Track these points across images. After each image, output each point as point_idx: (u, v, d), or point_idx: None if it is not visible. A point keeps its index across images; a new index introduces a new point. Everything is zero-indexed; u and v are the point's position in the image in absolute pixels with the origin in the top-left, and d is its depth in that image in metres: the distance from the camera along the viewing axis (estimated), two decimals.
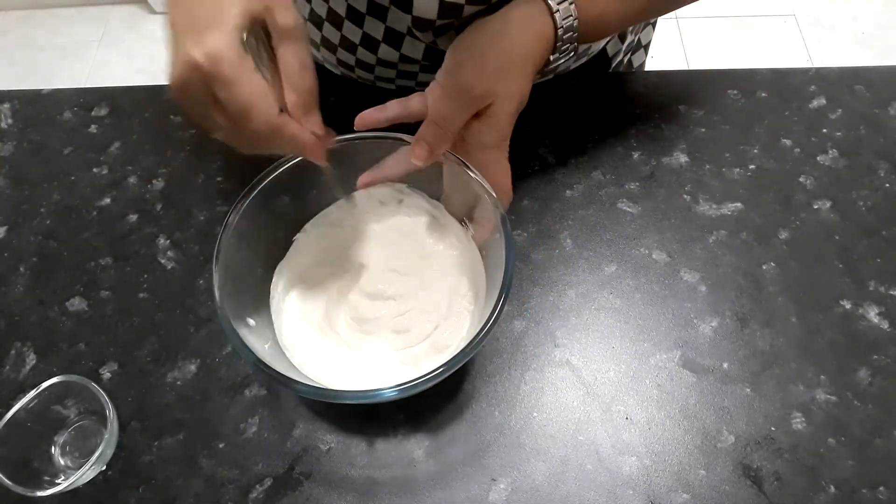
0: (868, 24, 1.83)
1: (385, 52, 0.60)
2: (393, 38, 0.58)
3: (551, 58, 0.50)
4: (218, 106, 0.38)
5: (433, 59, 0.60)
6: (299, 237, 0.55)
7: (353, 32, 0.60)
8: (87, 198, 0.62)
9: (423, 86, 0.65)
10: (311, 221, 0.55)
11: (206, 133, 0.41)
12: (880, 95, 0.65)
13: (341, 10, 0.58)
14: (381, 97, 0.64)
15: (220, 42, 0.36)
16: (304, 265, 0.54)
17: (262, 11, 0.38)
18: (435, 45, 0.58)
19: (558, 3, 0.48)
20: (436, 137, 0.47)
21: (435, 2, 0.52)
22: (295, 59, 0.40)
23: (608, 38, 0.65)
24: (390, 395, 0.41)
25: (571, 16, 0.48)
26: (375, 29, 0.58)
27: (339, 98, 0.66)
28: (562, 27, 0.48)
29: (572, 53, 0.51)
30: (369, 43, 0.60)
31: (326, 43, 0.63)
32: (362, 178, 0.52)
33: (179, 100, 0.38)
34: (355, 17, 0.58)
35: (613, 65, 0.70)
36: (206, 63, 0.36)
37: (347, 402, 0.48)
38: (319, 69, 0.68)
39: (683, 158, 0.62)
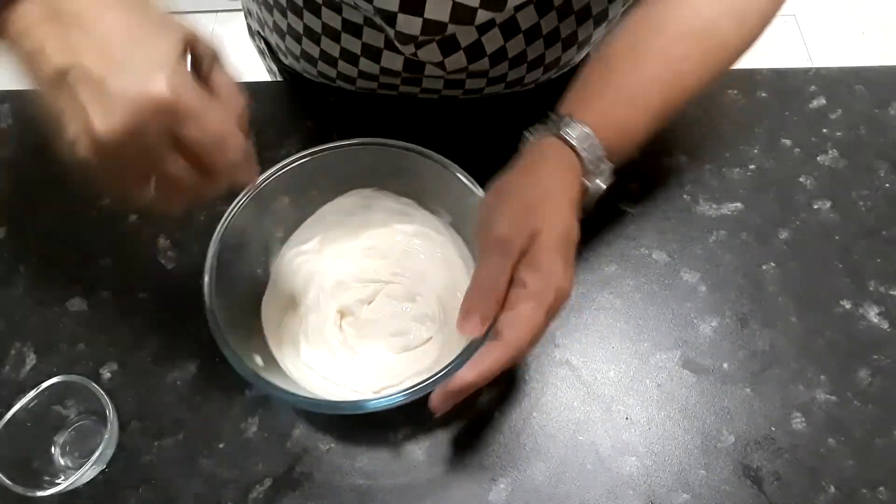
0: (868, 24, 1.83)
1: (365, 65, 0.60)
2: (371, 52, 0.58)
3: (588, 184, 0.46)
4: (174, 151, 0.33)
5: (414, 71, 0.60)
6: (276, 263, 0.54)
7: (331, 47, 0.59)
8: (87, 198, 0.62)
9: (404, 96, 0.64)
10: (285, 245, 0.55)
11: (124, 200, 0.36)
12: (880, 95, 0.65)
13: (317, 27, 0.58)
14: (361, 101, 0.65)
15: (179, 75, 0.32)
16: (286, 292, 0.54)
17: (191, 40, 0.34)
18: (416, 58, 0.57)
19: (566, 126, 0.45)
20: (484, 303, 0.41)
21: (418, 21, 0.51)
22: (229, 83, 0.36)
23: (588, 48, 0.64)
24: (385, 404, 0.41)
25: (588, 134, 0.45)
26: (353, 45, 0.58)
27: (320, 103, 0.66)
28: (583, 149, 0.45)
29: (610, 175, 0.48)
30: (349, 57, 0.60)
31: (306, 56, 0.63)
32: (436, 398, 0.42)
33: (120, 153, 0.32)
34: (331, 33, 0.58)
35: None
36: (173, 98, 0.31)
37: (344, 412, 0.48)
38: (298, 78, 0.69)
39: (683, 158, 0.62)
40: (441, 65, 0.58)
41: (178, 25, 0.34)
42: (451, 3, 0.49)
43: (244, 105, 0.37)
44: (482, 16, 0.51)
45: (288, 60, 0.66)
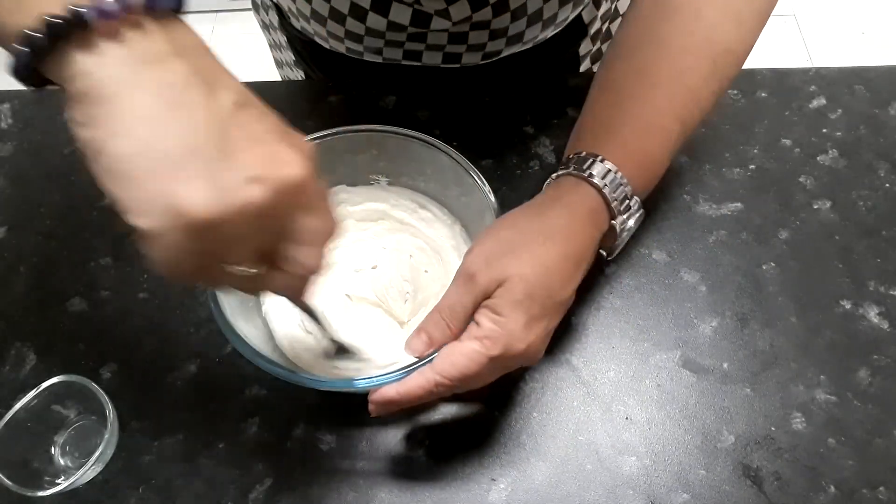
0: (868, 24, 1.83)
1: (373, 20, 0.60)
2: (380, 4, 0.59)
3: (616, 221, 0.45)
4: (282, 239, 0.31)
5: (420, 25, 0.61)
6: None
7: (341, 3, 0.60)
8: (87, 198, 0.62)
9: (409, 55, 0.65)
10: None
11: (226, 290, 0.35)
12: (880, 95, 0.65)
13: None
14: (360, 102, 0.65)
15: (308, 153, 0.29)
16: None
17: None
18: (419, 6, 0.58)
19: (587, 166, 0.44)
20: (436, 327, 0.42)
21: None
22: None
23: (583, 5, 0.65)
24: (376, 382, 0.41)
25: (610, 170, 0.43)
26: None
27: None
28: (607, 186, 0.43)
29: (639, 211, 0.47)
30: (358, 13, 0.60)
31: (316, 16, 0.63)
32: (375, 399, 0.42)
33: (217, 235, 0.29)
34: None
35: (591, 32, 0.70)
36: (306, 180, 0.28)
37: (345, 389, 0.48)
38: (309, 43, 0.69)
39: (683, 158, 0.62)
40: (446, 12, 0.58)
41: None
42: None
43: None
44: None
45: (299, 24, 0.67)
